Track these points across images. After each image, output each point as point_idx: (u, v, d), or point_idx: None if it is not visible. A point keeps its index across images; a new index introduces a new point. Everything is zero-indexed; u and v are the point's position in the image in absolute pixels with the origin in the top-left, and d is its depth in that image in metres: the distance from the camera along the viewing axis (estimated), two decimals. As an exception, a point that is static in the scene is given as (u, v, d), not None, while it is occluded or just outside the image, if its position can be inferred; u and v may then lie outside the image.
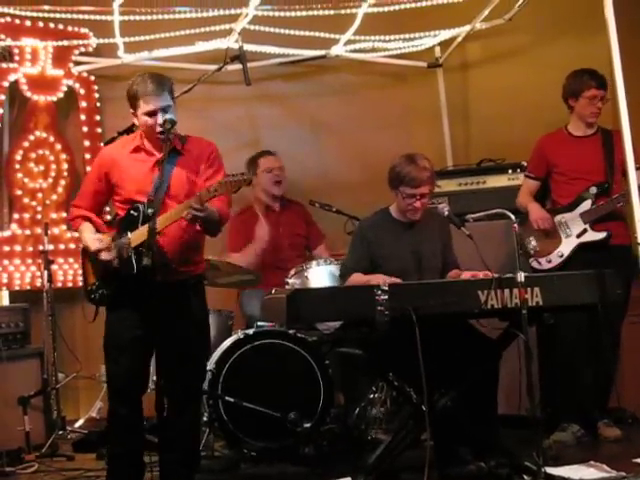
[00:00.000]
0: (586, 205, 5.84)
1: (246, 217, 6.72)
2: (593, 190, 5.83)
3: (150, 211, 4.54)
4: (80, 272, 6.88)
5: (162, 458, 4.77)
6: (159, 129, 4.63)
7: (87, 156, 7.24)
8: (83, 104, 7.29)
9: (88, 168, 7.14)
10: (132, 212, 4.65)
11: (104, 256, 4.66)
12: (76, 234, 6.94)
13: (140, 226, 4.60)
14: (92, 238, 4.71)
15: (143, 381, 4.84)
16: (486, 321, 5.00)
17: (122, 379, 4.70)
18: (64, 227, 7.13)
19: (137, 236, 4.59)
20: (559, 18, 7.07)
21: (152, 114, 4.65)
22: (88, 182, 4.96)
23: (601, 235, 5.80)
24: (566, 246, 5.88)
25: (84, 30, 7.09)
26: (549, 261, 5.91)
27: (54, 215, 7.12)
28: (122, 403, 4.72)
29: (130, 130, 5.62)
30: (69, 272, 7.14)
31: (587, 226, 5.82)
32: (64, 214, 7.12)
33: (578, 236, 5.85)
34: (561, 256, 5.88)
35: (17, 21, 6.89)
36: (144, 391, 4.86)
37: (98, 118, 7.32)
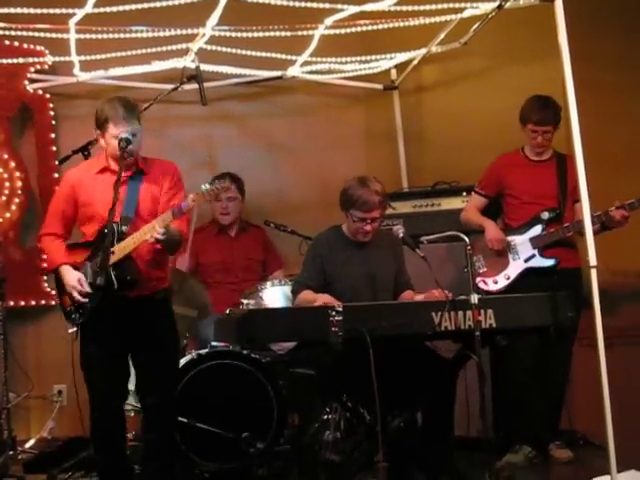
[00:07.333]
0: (536, 230, 5.86)
1: (200, 236, 6.71)
2: (545, 215, 5.85)
3: (124, 228, 4.75)
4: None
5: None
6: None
7: (42, 175, 7.16)
8: (37, 122, 7.21)
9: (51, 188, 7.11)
10: (105, 231, 4.72)
11: (78, 297, 4.81)
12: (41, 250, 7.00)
13: (116, 244, 4.73)
14: (72, 279, 4.82)
15: (121, 391, 5.01)
16: (441, 343, 5.03)
17: (100, 393, 4.87)
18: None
19: (117, 252, 4.71)
20: (513, 43, 7.13)
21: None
22: (55, 205, 5.04)
23: (549, 262, 5.81)
24: (513, 269, 5.90)
25: (40, 48, 7.01)
26: (495, 282, 5.92)
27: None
28: (102, 413, 4.89)
29: (85, 149, 5.63)
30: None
31: (536, 251, 5.85)
32: (18, 233, 7.06)
33: (526, 260, 5.87)
34: (507, 278, 5.90)
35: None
36: (124, 399, 5.09)
37: (53, 136, 7.23)
